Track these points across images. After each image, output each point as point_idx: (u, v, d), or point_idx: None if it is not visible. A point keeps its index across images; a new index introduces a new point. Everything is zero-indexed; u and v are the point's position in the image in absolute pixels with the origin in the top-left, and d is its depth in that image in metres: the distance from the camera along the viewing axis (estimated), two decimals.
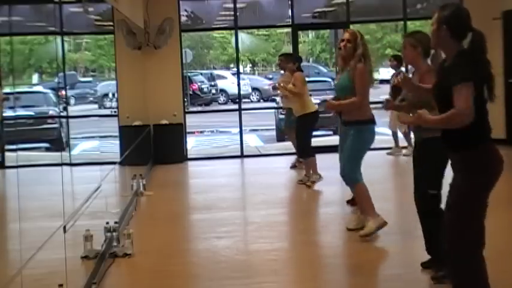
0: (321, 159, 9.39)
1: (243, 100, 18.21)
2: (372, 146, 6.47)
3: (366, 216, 6.37)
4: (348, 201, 7.62)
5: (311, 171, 9.22)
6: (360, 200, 6.49)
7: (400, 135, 11.64)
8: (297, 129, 9.46)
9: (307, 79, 9.72)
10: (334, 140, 7.07)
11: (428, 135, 5.04)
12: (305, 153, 9.33)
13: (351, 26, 12.76)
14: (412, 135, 8.92)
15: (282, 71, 10.56)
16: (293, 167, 10.63)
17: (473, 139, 3.77)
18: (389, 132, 11.85)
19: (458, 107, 3.66)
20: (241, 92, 14.65)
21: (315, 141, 9.83)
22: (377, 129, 6.55)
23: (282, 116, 15.29)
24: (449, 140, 3.91)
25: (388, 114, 11.32)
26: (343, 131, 6.62)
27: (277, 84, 10.32)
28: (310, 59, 31.03)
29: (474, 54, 3.76)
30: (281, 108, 15.52)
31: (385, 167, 10.91)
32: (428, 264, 5.22)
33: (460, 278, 3.82)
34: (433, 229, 5.07)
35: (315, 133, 9.62)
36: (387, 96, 9.00)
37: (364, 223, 6.39)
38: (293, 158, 10.84)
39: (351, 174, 6.35)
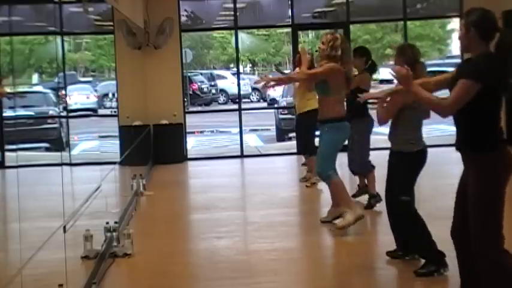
0: None
1: (243, 100, 18.22)
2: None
3: (343, 209, 6.50)
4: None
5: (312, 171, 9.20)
6: (334, 195, 6.65)
7: None
8: (298, 128, 9.42)
9: None
10: None
11: (400, 147, 5.16)
12: (308, 150, 9.29)
13: (351, 26, 12.81)
14: None
15: (297, 69, 10.13)
16: (305, 164, 10.52)
17: (492, 141, 3.88)
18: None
19: (447, 100, 3.85)
20: (241, 92, 14.64)
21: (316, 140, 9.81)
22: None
23: (282, 116, 15.38)
24: (467, 142, 3.96)
25: None
26: (320, 129, 6.79)
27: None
28: None
29: (498, 54, 3.88)
30: (281, 108, 15.59)
31: None
32: (394, 254, 5.49)
33: (491, 272, 3.89)
34: (410, 230, 5.27)
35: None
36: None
37: (336, 214, 6.65)
38: (294, 157, 10.80)
39: (324, 171, 6.50)
